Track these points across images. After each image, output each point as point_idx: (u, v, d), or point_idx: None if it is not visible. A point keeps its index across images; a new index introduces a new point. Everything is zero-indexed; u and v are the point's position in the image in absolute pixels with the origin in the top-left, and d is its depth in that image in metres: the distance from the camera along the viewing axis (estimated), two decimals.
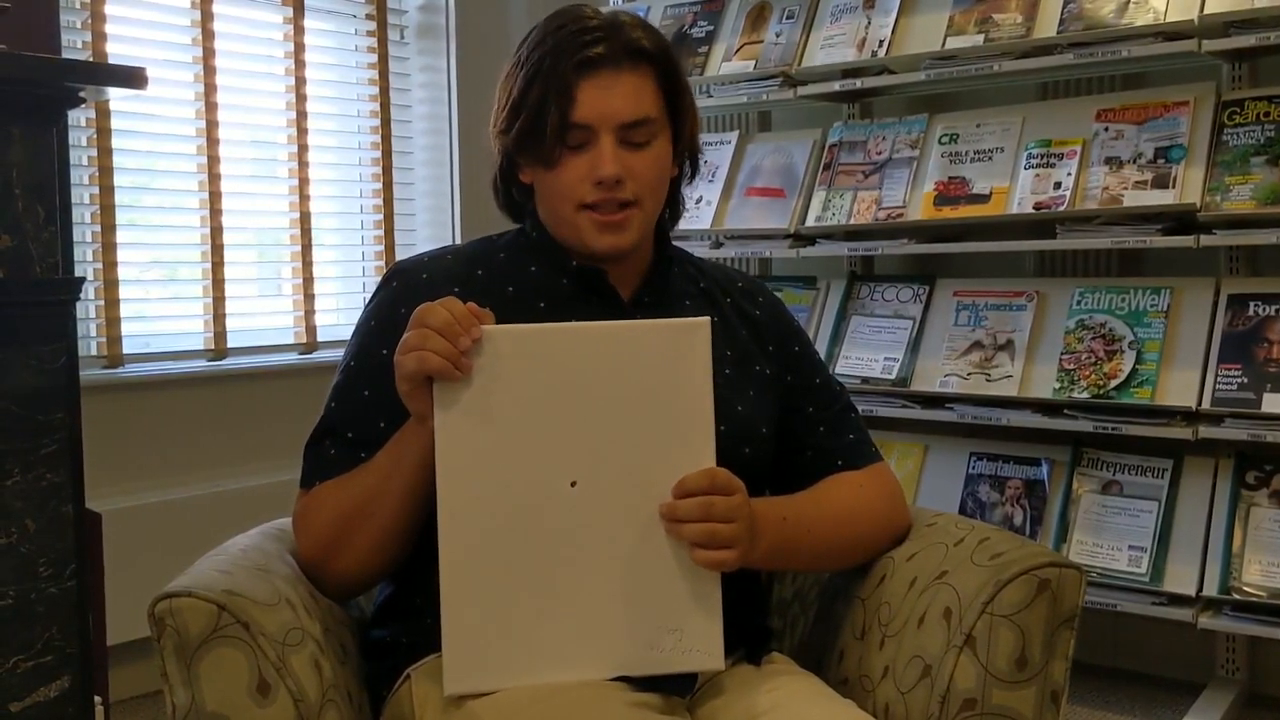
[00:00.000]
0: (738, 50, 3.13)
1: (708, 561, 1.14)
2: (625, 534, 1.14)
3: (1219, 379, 2.41)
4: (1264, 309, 2.44)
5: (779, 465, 1.39)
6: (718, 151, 3.17)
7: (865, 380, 2.83)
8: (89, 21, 2.73)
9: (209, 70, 2.96)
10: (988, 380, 2.68)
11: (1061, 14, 2.63)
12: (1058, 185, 2.61)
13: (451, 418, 1.12)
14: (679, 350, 1.14)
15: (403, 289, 1.32)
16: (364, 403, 1.27)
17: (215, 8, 2.98)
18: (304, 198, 3.19)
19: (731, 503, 1.15)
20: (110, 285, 2.79)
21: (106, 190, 2.77)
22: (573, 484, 1.13)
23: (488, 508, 1.12)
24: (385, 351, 1.23)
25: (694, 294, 1.41)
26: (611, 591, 1.15)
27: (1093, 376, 2.55)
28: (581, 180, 1.27)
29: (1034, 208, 2.62)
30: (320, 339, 3.23)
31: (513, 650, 1.14)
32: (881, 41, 2.87)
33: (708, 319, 1.15)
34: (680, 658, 1.16)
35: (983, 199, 2.71)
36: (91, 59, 2.70)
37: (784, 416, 1.40)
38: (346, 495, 1.24)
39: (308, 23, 3.20)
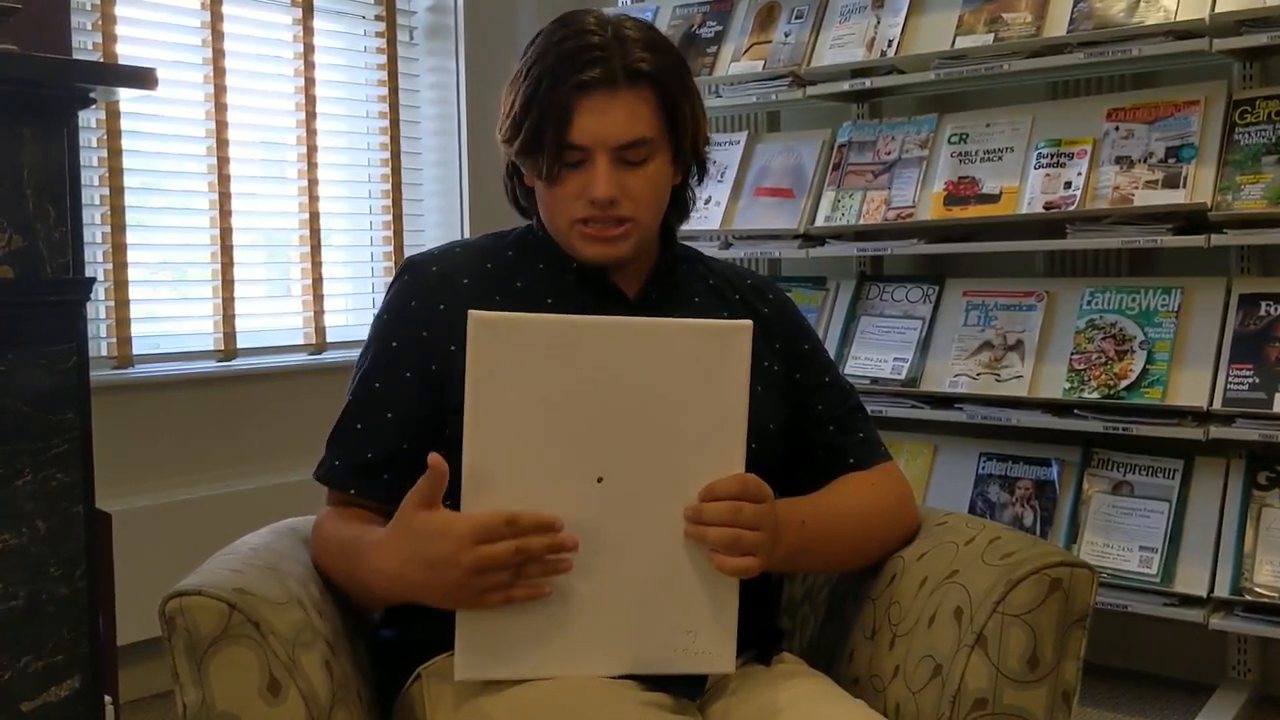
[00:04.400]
0: (746, 50, 3.13)
1: (730, 568, 1.13)
2: (648, 533, 1.13)
3: (1230, 379, 2.40)
4: (1275, 309, 2.43)
5: (789, 464, 1.38)
6: (727, 152, 3.17)
7: (875, 380, 2.82)
8: (99, 23, 2.73)
9: (218, 71, 2.96)
10: (997, 380, 2.67)
11: (1071, 13, 2.62)
12: (1068, 185, 2.60)
13: (483, 403, 1.10)
14: (719, 352, 1.12)
15: (413, 282, 1.34)
16: (375, 395, 1.30)
17: (225, 9, 2.98)
18: (313, 198, 3.19)
19: (759, 509, 1.14)
20: (120, 286, 2.79)
21: (116, 191, 2.78)
22: (599, 479, 1.12)
23: (511, 496, 1.11)
24: (395, 344, 1.28)
25: (702, 291, 1.41)
26: (629, 589, 1.14)
27: (1103, 376, 2.54)
28: (576, 198, 1.28)
29: (1044, 207, 2.61)
30: (329, 340, 3.23)
31: (525, 640, 1.14)
32: (890, 41, 2.87)
33: (750, 323, 1.13)
34: (693, 659, 1.16)
35: (992, 199, 2.71)
36: (102, 60, 2.71)
37: (794, 415, 1.39)
38: (347, 533, 1.24)
39: (317, 23, 3.21)
